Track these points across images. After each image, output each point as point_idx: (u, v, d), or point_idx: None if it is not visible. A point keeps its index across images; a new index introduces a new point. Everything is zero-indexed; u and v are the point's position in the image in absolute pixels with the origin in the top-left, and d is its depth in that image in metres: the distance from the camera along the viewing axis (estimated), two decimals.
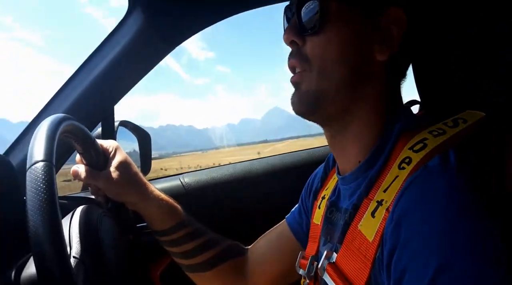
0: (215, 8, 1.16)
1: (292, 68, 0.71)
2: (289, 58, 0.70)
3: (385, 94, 0.68)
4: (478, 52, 0.72)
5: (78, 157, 0.87)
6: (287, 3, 0.75)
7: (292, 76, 0.70)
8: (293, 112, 0.69)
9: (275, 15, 1.25)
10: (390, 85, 0.69)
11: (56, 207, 0.57)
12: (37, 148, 0.61)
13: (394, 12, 0.64)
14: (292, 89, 0.71)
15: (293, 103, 0.69)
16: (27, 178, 0.58)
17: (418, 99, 0.84)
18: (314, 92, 0.66)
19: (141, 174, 0.93)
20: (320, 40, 0.65)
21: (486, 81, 0.77)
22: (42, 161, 0.59)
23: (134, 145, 1.43)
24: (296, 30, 0.67)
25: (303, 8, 0.66)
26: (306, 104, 0.67)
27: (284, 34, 0.69)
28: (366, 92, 0.66)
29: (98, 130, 1.26)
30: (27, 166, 0.60)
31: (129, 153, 1.33)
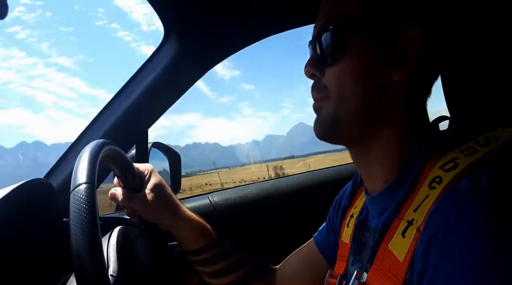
0: (246, 32, 1.21)
1: (315, 99, 0.73)
2: (312, 90, 0.73)
3: (408, 113, 0.68)
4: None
5: (115, 180, 0.92)
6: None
7: (314, 103, 0.73)
8: None
9: (298, 30, 1.28)
10: (412, 103, 0.68)
11: (97, 227, 0.61)
12: (81, 171, 0.66)
13: (410, 33, 0.64)
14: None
15: (314, 129, 0.72)
16: (71, 199, 0.63)
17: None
18: (332, 116, 0.68)
19: (174, 196, 0.97)
20: (336, 70, 0.67)
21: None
22: (85, 183, 0.64)
23: (165, 165, 1.49)
24: (315, 63, 0.70)
25: (321, 40, 0.68)
26: (324, 129, 0.70)
27: (304, 68, 0.71)
28: (386, 113, 0.67)
29: (133, 151, 1.32)
30: (71, 188, 0.64)
31: (160, 172, 1.37)
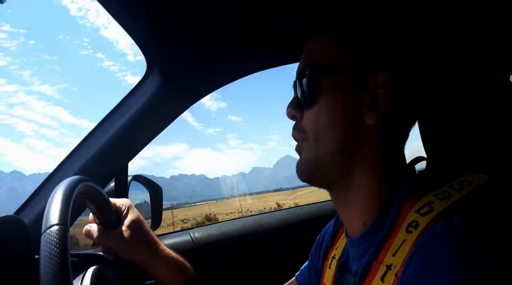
0: (231, 68, 1.21)
1: (295, 139, 0.75)
2: (292, 131, 0.76)
3: (384, 156, 0.69)
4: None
5: (91, 216, 0.89)
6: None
7: (296, 145, 0.75)
8: None
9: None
10: (388, 146, 0.70)
11: (69, 271, 0.59)
12: (53, 211, 0.64)
13: (380, 77, 0.66)
14: None
15: (297, 171, 0.74)
16: (42, 241, 0.61)
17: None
18: (312, 160, 0.71)
19: (152, 233, 0.94)
20: (313, 112, 0.70)
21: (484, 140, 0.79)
22: (57, 224, 0.62)
23: (146, 196, 1.45)
24: (295, 105, 0.73)
25: (301, 84, 0.72)
26: (306, 172, 0.72)
27: (286, 109, 0.75)
28: (361, 156, 0.68)
29: (111, 184, 1.29)
30: (43, 229, 0.62)
31: (140, 204, 1.34)
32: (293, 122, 0.75)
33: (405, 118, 0.71)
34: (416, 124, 0.74)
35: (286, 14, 0.93)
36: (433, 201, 0.59)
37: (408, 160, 0.74)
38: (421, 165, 0.76)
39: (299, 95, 0.72)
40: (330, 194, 0.75)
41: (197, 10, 0.92)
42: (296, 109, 0.73)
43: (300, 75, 0.73)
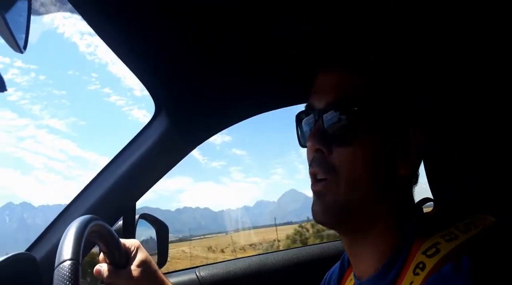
0: (237, 110, 1.25)
1: (313, 175, 0.69)
2: (311, 165, 0.69)
3: (402, 203, 0.69)
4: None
5: (101, 256, 0.90)
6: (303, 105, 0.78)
7: (314, 184, 0.68)
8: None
9: None
10: (407, 194, 0.70)
11: None
12: (66, 247, 0.67)
13: (415, 132, 0.67)
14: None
15: (316, 212, 0.68)
16: (55, 275, 0.63)
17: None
18: (342, 203, 0.65)
19: (160, 272, 0.95)
20: (348, 151, 0.65)
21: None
22: (70, 259, 0.64)
23: (152, 233, 1.46)
24: (322, 139, 0.66)
25: (329, 117, 0.67)
26: (333, 215, 0.66)
27: (309, 141, 0.67)
28: (387, 204, 0.67)
29: (120, 223, 1.30)
30: (56, 264, 0.65)
31: (146, 240, 1.35)
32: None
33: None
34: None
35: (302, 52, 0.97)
36: (439, 242, 0.59)
37: None
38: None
39: (328, 129, 0.67)
40: (344, 239, 0.73)
41: (204, 55, 0.96)
42: (323, 143, 0.66)
43: (335, 105, 0.66)
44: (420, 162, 0.71)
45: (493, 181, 0.82)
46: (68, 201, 1.27)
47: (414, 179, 0.72)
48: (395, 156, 0.66)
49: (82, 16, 0.78)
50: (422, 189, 0.75)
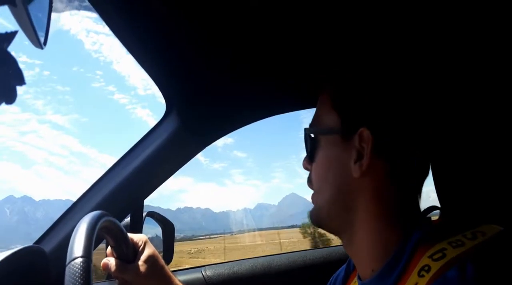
0: (246, 113, 1.26)
1: (311, 187, 0.82)
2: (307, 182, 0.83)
3: (383, 205, 0.70)
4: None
5: (109, 249, 0.91)
6: (313, 109, 0.85)
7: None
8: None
9: None
10: (392, 197, 0.71)
11: None
12: (77, 244, 0.67)
13: (363, 132, 0.70)
14: None
15: (309, 216, 0.81)
16: (67, 272, 0.63)
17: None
18: (317, 209, 0.78)
19: (167, 268, 0.96)
20: (315, 166, 0.79)
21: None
22: (81, 257, 0.65)
23: (158, 231, 1.47)
24: (307, 159, 0.82)
25: (306, 141, 0.81)
26: (315, 220, 0.79)
27: (302, 162, 0.84)
28: (357, 206, 0.72)
29: (127, 219, 1.31)
30: (67, 261, 0.65)
31: (151, 238, 1.36)
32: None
33: (398, 170, 0.72)
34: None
35: (304, 63, 0.99)
36: (446, 248, 0.60)
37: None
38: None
39: (306, 151, 0.81)
40: (341, 241, 0.78)
41: (218, 57, 0.98)
42: (307, 162, 0.82)
43: (306, 132, 0.82)
44: (381, 161, 0.71)
45: (501, 190, 0.81)
46: (68, 197, 1.29)
47: (412, 187, 0.73)
48: (348, 161, 0.72)
49: (99, 14, 0.79)
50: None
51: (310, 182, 0.81)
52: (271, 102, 1.25)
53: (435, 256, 0.59)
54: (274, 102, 1.25)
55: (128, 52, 0.97)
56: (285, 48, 0.94)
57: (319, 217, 0.78)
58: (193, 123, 1.22)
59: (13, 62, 0.50)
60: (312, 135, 0.80)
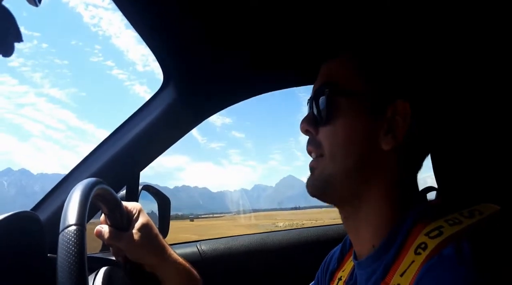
0: (244, 87, 1.24)
1: (309, 153, 0.77)
2: (307, 145, 0.78)
3: (397, 182, 0.70)
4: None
5: (102, 217, 0.90)
6: (310, 86, 0.83)
7: (310, 161, 0.76)
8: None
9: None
10: (402, 174, 0.71)
11: (85, 271, 0.60)
12: (71, 212, 0.65)
13: (399, 105, 0.68)
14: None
15: (307, 186, 0.75)
16: (60, 239, 0.62)
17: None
18: (325, 176, 0.72)
19: (161, 238, 0.95)
20: (329, 129, 0.72)
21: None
22: (75, 225, 0.63)
23: (154, 207, 1.47)
24: (310, 121, 0.76)
25: (318, 101, 0.74)
26: (318, 188, 0.74)
27: (300, 124, 0.77)
28: (375, 179, 0.70)
29: (123, 192, 1.31)
30: (61, 228, 0.63)
31: (148, 214, 1.36)
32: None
33: (420, 146, 0.73)
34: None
35: (306, 34, 0.96)
36: (443, 226, 0.60)
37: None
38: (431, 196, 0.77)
39: (315, 112, 0.75)
40: (341, 213, 0.76)
41: (216, 29, 0.95)
42: (310, 124, 0.75)
43: (318, 92, 0.75)
44: (414, 141, 0.71)
45: (498, 171, 0.81)
46: (66, 171, 1.27)
47: (412, 162, 0.73)
48: (377, 132, 0.69)
49: None
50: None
51: (317, 146, 0.74)
52: (268, 77, 1.23)
53: (432, 234, 0.59)
54: (271, 78, 1.23)
55: (127, 27, 0.96)
56: (285, 19, 0.92)
57: (327, 184, 0.72)
58: (189, 96, 1.20)
59: (12, 19, 0.49)
60: (330, 95, 0.72)
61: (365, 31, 0.78)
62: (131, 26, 0.95)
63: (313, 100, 0.76)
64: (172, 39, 1.00)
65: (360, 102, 0.70)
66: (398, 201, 0.70)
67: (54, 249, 0.62)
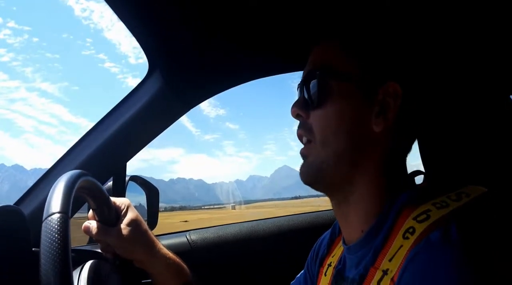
0: (231, 74, 1.22)
1: (300, 137, 0.77)
2: (297, 129, 0.77)
3: (386, 165, 0.70)
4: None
5: (90, 213, 0.89)
6: (300, 72, 0.81)
7: (302, 148, 0.76)
8: None
9: (284, 76, 1.31)
10: (391, 157, 0.71)
11: (69, 259, 0.59)
12: (55, 200, 0.64)
13: (390, 86, 0.68)
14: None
15: (300, 173, 0.75)
16: (43, 228, 0.61)
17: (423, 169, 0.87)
18: (318, 163, 0.71)
19: (150, 232, 0.94)
20: (320, 114, 0.72)
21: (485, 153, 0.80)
22: (58, 212, 0.62)
23: (142, 199, 1.45)
24: (301, 105, 0.75)
25: (308, 85, 0.74)
26: (310, 175, 0.73)
27: (291, 108, 0.76)
28: (366, 162, 0.70)
29: (109, 183, 1.29)
30: (44, 217, 0.62)
31: (135, 207, 1.34)
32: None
33: (409, 128, 0.73)
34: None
35: (295, 18, 0.94)
36: (430, 209, 0.60)
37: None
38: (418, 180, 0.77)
39: (306, 96, 0.74)
40: (331, 199, 0.76)
41: (201, 14, 0.93)
42: (301, 108, 0.75)
43: (309, 75, 0.74)
44: (404, 122, 0.71)
45: (484, 153, 0.82)
46: None
47: (401, 145, 0.73)
48: (368, 114, 0.69)
49: None
50: None
51: (308, 130, 0.73)
52: (256, 63, 1.20)
53: (420, 218, 0.59)
54: (259, 64, 1.21)
55: (118, 20, 0.93)
56: (273, 2, 0.90)
57: (319, 171, 0.71)
58: (176, 84, 1.17)
59: None
60: (321, 79, 0.72)
61: (355, 14, 0.76)
62: None
63: (303, 84, 0.75)
64: (155, 25, 0.97)
65: (352, 85, 0.70)
66: (387, 185, 0.70)
67: (39, 243, 0.61)
